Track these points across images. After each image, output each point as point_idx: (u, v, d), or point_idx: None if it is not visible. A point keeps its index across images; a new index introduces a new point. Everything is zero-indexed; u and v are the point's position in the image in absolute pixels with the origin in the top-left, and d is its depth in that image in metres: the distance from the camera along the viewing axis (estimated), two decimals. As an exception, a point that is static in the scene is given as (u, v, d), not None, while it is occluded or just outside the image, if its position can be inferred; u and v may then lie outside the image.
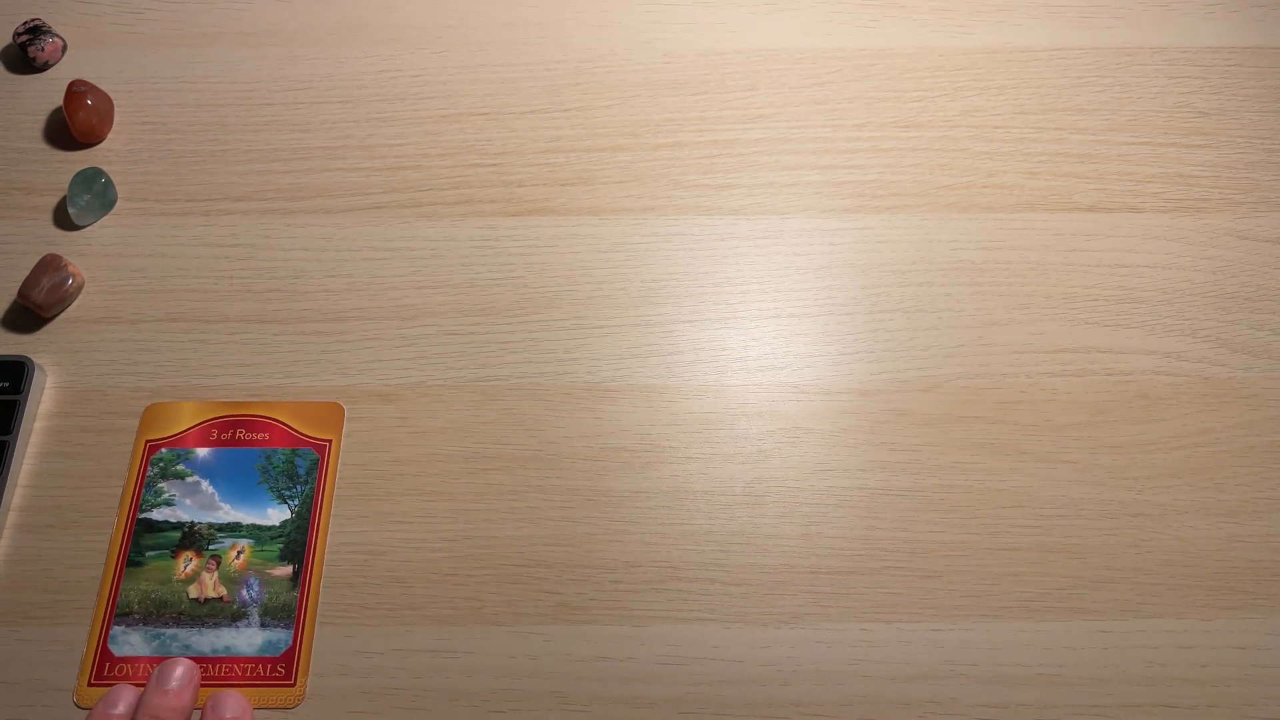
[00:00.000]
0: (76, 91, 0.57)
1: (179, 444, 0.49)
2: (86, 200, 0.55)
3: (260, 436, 0.49)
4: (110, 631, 0.45)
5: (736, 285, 0.54)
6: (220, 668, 0.44)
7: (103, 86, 0.59)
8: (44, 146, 0.59)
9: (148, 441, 0.49)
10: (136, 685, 0.43)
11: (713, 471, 0.49)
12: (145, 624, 0.45)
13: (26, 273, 0.53)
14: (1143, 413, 0.51)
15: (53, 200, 0.57)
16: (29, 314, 0.53)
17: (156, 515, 0.48)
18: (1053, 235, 0.55)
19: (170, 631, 0.45)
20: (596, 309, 0.53)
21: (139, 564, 0.46)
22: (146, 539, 0.47)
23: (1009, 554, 0.47)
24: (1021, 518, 0.48)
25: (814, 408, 0.51)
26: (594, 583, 0.46)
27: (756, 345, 0.52)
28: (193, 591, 0.46)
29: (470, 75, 0.61)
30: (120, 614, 0.45)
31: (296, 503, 0.48)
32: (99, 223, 0.56)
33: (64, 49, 0.62)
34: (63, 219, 0.56)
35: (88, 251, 0.55)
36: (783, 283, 0.54)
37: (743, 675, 0.44)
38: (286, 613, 0.45)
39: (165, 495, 0.48)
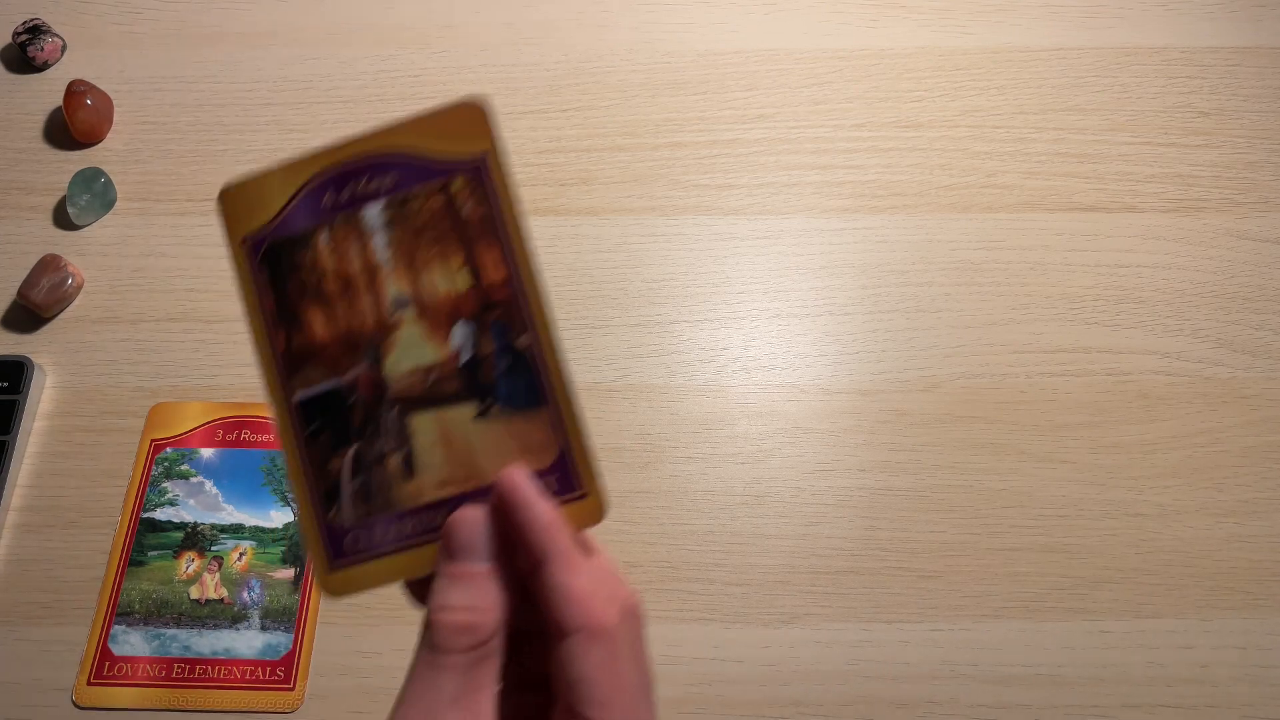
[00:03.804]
0: (76, 91, 0.57)
1: (184, 444, 0.49)
2: (86, 200, 0.55)
3: (265, 438, 0.49)
4: (111, 631, 0.45)
5: (736, 285, 0.54)
6: (219, 669, 0.44)
7: (102, 86, 0.59)
8: (43, 146, 0.59)
9: (153, 441, 0.49)
10: None
11: (713, 471, 0.49)
12: (146, 624, 0.45)
13: (26, 272, 0.53)
14: (1143, 413, 0.51)
15: (52, 200, 0.57)
16: (29, 314, 0.53)
17: (160, 515, 0.48)
18: (1052, 235, 0.55)
19: (170, 632, 0.45)
20: (596, 309, 0.53)
21: (141, 564, 0.46)
22: (149, 539, 0.47)
23: (1009, 554, 0.47)
24: (1021, 518, 0.48)
25: (814, 408, 0.51)
26: (594, 583, 0.46)
27: (756, 345, 0.52)
28: (194, 592, 0.46)
29: (470, 75, 0.61)
30: (121, 613, 0.45)
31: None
32: (99, 222, 0.56)
33: (63, 49, 0.62)
34: (62, 219, 0.56)
35: (87, 251, 0.55)
36: (783, 283, 0.54)
37: (743, 675, 0.44)
38: (287, 616, 0.45)
39: (169, 495, 0.48)
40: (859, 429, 0.50)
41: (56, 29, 0.62)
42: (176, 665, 0.44)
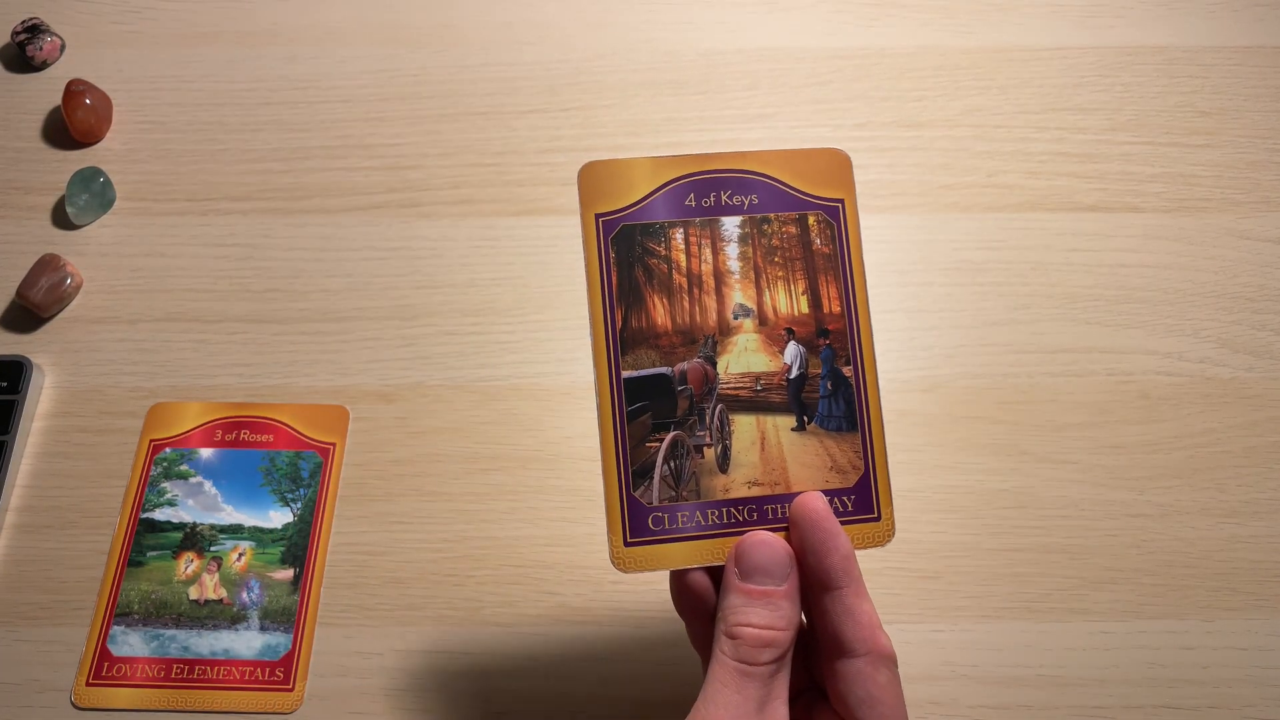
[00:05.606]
0: (75, 91, 0.57)
1: (183, 444, 0.49)
2: (85, 200, 0.55)
3: (264, 438, 0.49)
4: (110, 632, 0.45)
5: (737, 285, 0.54)
6: (218, 670, 0.44)
7: (101, 86, 0.59)
8: (42, 146, 0.58)
9: (152, 441, 0.49)
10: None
11: (713, 472, 0.49)
12: (145, 624, 0.45)
13: (25, 272, 0.53)
14: (1144, 413, 0.50)
15: (51, 200, 0.56)
16: (27, 313, 0.53)
17: (159, 515, 0.48)
18: (1054, 235, 0.55)
19: (169, 632, 0.45)
20: (597, 309, 0.53)
21: (140, 564, 0.46)
22: (148, 539, 0.47)
23: (1010, 554, 0.47)
24: (1022, 518, 0.48)
25: (815, 408, 0.50)
26: (594, 583, 0.46)
27: (757, 345, 0.52)
28: (193, 593, 0.46)
29: (470, 75, 0.61)
30: (120, 614, 0.45)
31: (299, 506, 0.48)
32: (97, 222, 0.56)
33: (62, 48, 0.62)
34: (61, 218, 0.56)
35: (86, 251, 0.55)
36: (783, 283, 0.54)
37: (743, 676, 0.44)
38: (286, 616, 0.45)
39: (168, 495, 0.48)
40: (860, 429, 0.50)
41: (55, 28, 0.62)
42: (175, 666, 0.44)
